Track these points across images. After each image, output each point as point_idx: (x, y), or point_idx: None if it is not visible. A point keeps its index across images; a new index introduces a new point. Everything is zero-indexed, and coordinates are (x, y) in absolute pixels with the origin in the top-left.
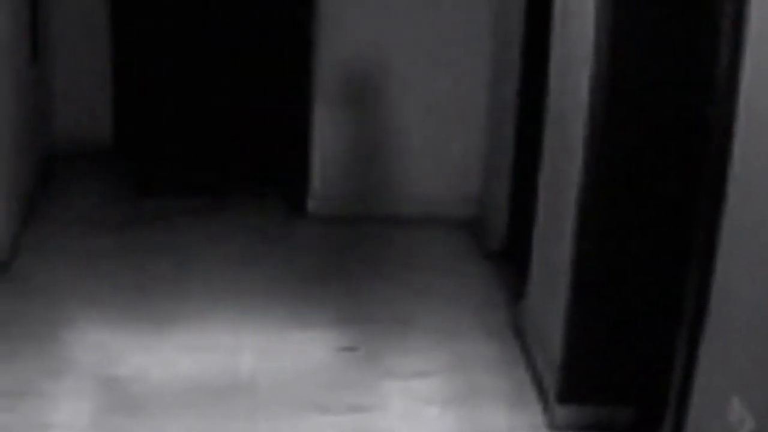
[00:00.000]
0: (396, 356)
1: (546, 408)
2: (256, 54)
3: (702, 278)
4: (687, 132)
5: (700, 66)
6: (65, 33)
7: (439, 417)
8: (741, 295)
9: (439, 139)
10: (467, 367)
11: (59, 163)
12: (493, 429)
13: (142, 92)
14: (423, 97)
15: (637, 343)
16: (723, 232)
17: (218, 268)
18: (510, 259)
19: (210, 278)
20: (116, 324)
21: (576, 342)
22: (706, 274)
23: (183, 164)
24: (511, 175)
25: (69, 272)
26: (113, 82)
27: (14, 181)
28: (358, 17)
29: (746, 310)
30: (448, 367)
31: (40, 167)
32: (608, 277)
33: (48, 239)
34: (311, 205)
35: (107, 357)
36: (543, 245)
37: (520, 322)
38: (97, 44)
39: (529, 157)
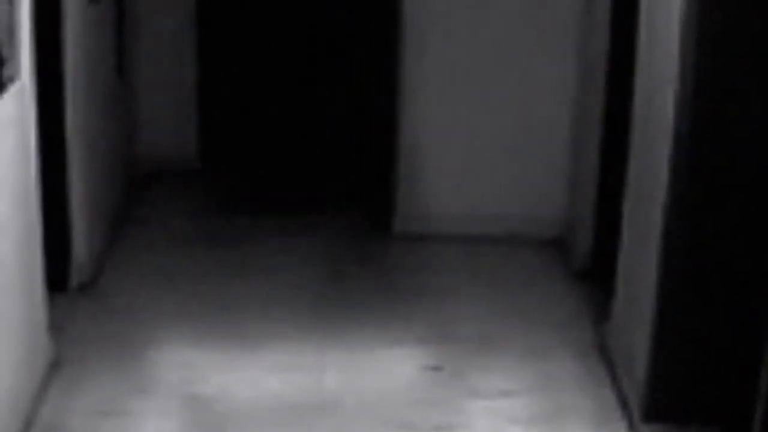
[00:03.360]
0: (481, 375)
1: (631, 427)
2: (342, 71)
3: None
4: None
5: None
6: (151, 51)
7: None
8: None
9: (524, 158)
10: (552, 387)
11: (144, 181)
12: None
13: (227, 110)
14: (508, 117)
15: (723, 362)
16: None
17: (303, 287)
18: (595, 278)
19: (294, 297)
20: (201, 342)
21: (661, 361)
22: None
23: (268, 182)
24: (596, 194)
25: (154, 291)
26: (199, 101)
27: (99, 198)
28: (444, 33)
29: None
30: (532, 386)
31: (125, 185)
32: (694, 296)
33: (133, 258)
34: (396, 223)
35: (192, 376)
36: (628, 265)
37: (605, 341)
38: (183, 62)
39: (614, 177)
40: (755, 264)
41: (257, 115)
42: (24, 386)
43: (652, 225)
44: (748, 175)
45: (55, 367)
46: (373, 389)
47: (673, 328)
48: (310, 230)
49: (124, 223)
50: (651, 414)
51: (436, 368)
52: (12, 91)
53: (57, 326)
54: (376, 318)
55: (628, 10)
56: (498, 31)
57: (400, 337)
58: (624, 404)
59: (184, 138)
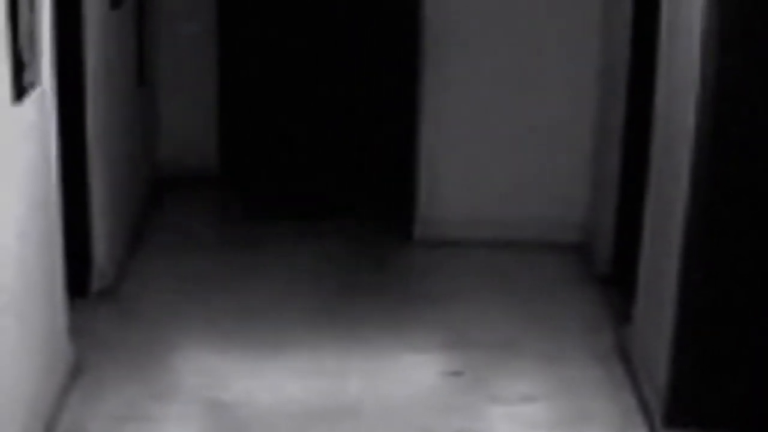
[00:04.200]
0: (502, 380)
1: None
2: (362, 77)
3: None
4: None
5: None
6: (172, 57)
7: None
8: None
9: (545, 162)
10: (573, 391)
11: (165, 187)
12: None
13: (248, 116)
14: (529, 122)
15: (744, 367)
16: None
17: (324, 292)
18: (616, 283)
19: (315, 302)
20: (223, 348)
21: (682, 366)
22: None
23: (288, 188)
24: (617, 199)
25: (175, 297)
26: (219, 107)
27: (120, 204)
28: (464, 39)
29: None
30: (553, 391)
31: (146, 192)
32: (715, 301)
33: (154, 264)
34: (417, 229)
35: (214, 381)
36: (649, 269)
37: (626, 346)
38: (203, 68)
39: (635, 182)
40: None
41: (277, 122)
42: (45, 391)
43: (673, 229)
44: None
45: (75, 372)
46: (393, 395)
47: (694, 332)
48: (331, 236)
49: (144, 228)
50: (672, 419)
51: (457, 373)
52: (33, 96)
53: (78, 331)
54: (397, 323)
55: (649, 15)
56: (518, 36)
57: (421, 342)
58: (645, 409)
59: (204, 144)
